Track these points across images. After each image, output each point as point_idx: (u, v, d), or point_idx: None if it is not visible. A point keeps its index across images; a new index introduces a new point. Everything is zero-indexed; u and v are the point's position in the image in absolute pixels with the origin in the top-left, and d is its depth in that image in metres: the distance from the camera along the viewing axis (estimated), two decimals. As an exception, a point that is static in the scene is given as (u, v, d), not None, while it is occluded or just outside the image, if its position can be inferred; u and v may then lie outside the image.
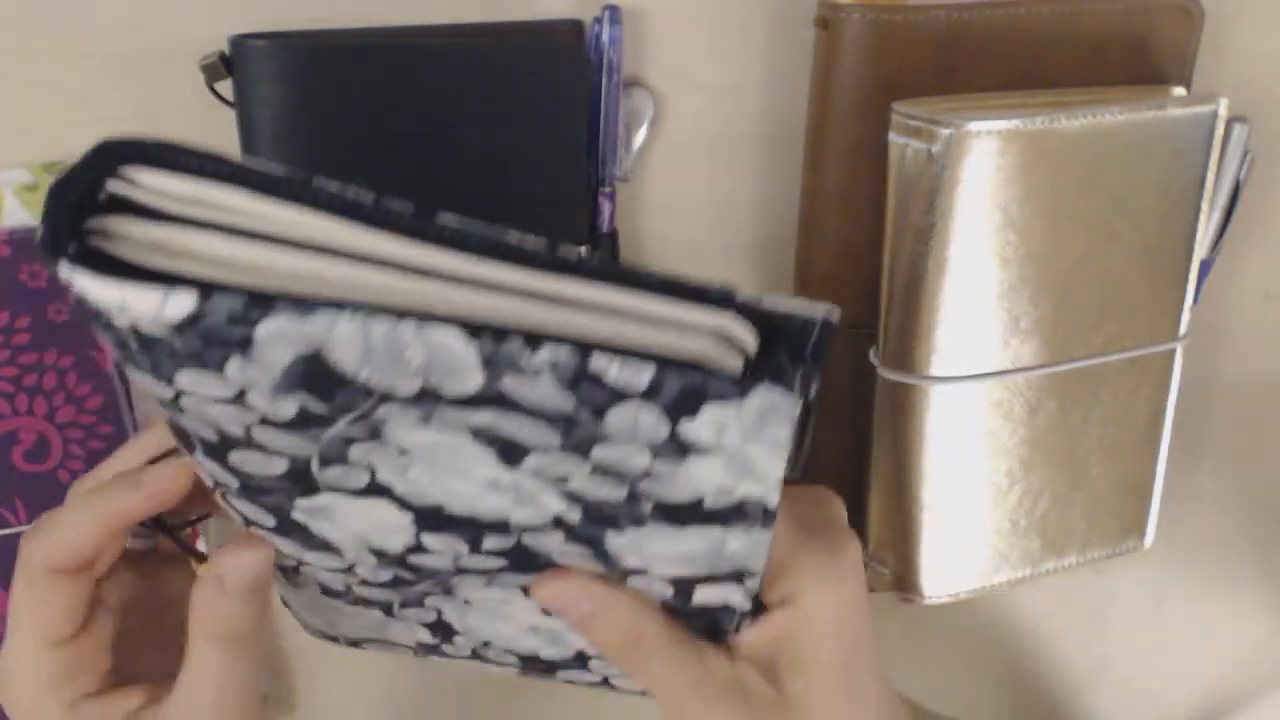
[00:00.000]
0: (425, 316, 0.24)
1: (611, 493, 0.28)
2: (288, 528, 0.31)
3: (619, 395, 0.25)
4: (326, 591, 0.35)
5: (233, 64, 0.44)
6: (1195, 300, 0.51)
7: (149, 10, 0.45)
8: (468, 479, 0.28)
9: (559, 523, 0.30)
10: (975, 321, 0.46)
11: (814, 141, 0.48)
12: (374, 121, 0.45)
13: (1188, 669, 0.65)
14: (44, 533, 0.34)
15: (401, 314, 0.24)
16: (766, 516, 0.29)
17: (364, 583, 0.34)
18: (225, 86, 0.45)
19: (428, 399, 0.26)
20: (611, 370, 0.25)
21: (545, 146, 0.47)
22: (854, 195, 0.47)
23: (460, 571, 0.32)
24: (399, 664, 0.58)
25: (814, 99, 0.47)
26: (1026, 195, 0.45)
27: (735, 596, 0.32)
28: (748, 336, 0.26)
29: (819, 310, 0.26)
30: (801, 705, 0.33)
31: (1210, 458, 0.60)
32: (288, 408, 0.26)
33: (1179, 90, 0.48)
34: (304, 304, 0.24)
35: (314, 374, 0.25)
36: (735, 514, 0.29)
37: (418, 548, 0.31)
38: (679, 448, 0.27)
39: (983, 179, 0.44)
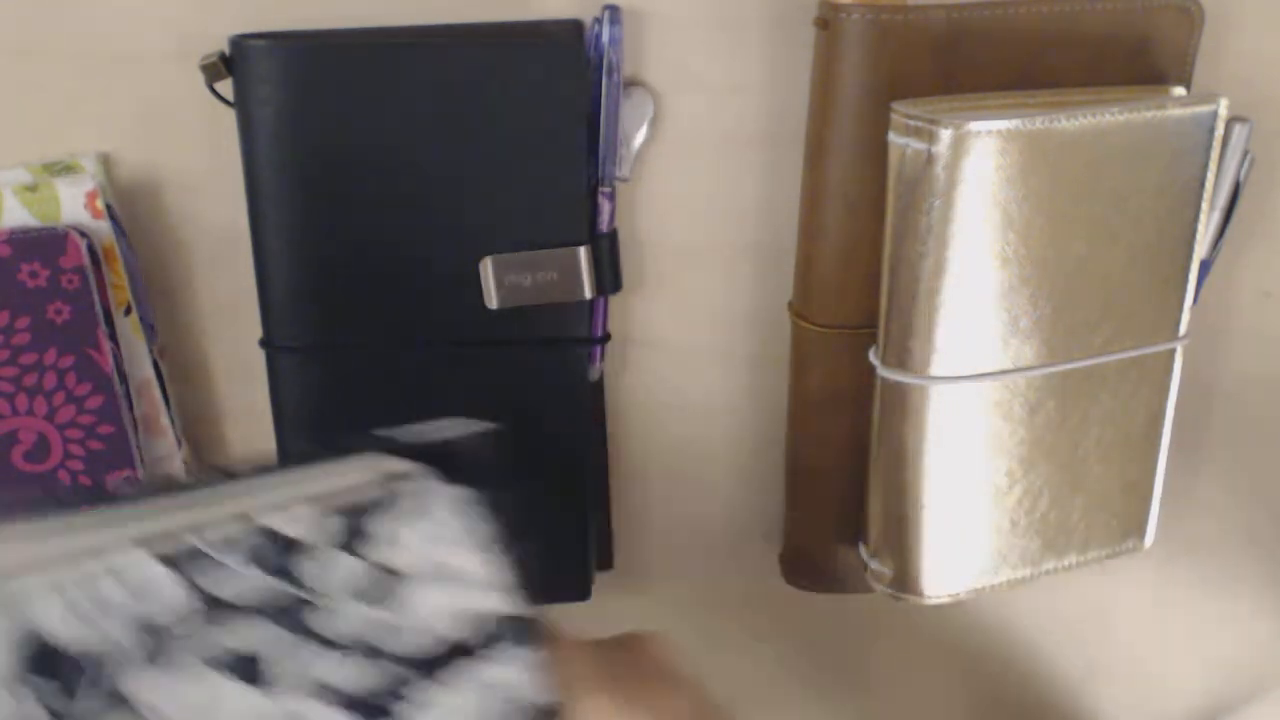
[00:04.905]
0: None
1: None
2: None
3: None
4: None
5: (233, 64, 0.44)
6: (1195, 300, 0.51)
7: (149, 10, 0.45)
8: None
9: None
10: (975, 321, 0.46)
11: (814, 141, 0.48)
12: (374, 121, 0.45)
13: (1187, 669, 0.65)
14: None
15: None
16: None
17: None
18: (225, 86, 0.45)
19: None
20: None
21: (545, 146, 0.47)
22: (854, 195, 0.47)
23: None
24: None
25: (814, 99, 0.47)
26: (1026, 195, 0.45)
27: None
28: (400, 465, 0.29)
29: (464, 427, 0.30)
30: None
31: (1210, 458, 0.60)
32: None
33: (1179, 90, 0.48)
34: None
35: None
36: None
37: None
38: None
39: (983, 179, 0.44)
